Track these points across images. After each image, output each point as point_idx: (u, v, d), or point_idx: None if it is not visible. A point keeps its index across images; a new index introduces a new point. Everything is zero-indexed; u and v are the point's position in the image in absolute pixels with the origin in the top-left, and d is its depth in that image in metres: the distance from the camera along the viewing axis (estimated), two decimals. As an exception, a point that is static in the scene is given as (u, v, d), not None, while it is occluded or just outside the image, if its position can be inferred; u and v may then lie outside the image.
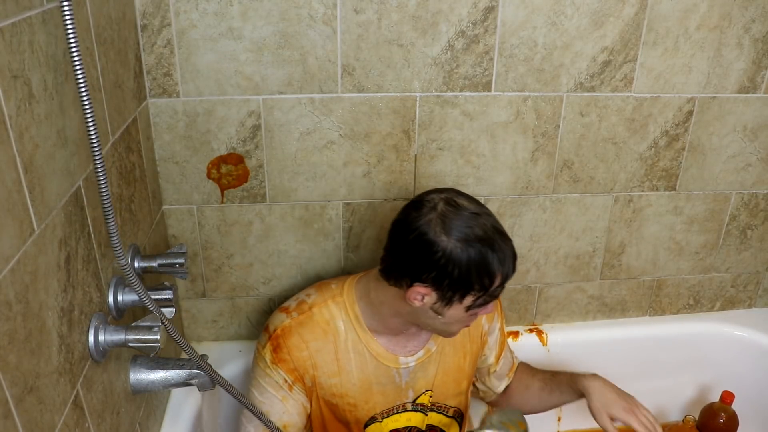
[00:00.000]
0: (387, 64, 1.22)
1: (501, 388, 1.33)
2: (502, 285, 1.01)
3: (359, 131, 1.27)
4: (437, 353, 1.18)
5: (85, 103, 0.69)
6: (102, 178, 0.74)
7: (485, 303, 1.02)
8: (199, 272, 1.38)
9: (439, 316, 1.02)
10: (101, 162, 0.73)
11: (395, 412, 1.19)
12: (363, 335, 1.12)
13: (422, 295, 1.00)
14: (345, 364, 1.12)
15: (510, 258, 1.00)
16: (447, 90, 1.26)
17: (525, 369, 1.35)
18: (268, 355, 1.11)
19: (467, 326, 1.10)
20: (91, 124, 0.70)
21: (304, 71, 1.20)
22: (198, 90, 1.19)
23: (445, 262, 0.96)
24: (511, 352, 1.35)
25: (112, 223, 0.77)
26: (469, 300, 1.00)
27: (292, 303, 1.15)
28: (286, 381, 1.11)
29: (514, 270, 1.01)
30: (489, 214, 1.02)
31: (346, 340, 1.12)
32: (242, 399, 1.04)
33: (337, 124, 1.26)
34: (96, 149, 0.71)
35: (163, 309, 0.96)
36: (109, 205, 0.76)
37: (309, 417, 1.17)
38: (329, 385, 1.13)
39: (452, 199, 1.01)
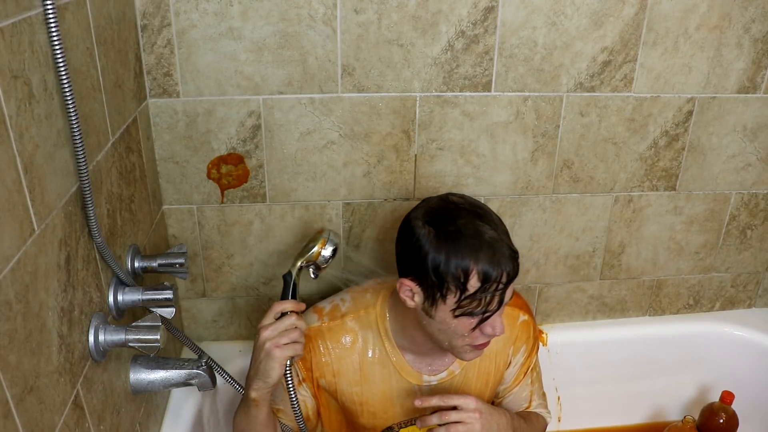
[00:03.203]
0: (387, 64, 1.22)
1: None
2: (485, 287, 0.93)
3: (359, 131, 1.27)
4: (461, 376, 1.15)
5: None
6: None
7: (474, 309, 0.95)
8: (199, 272, 1.38)
9: (432, 320, 0.98)
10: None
11: (412, 423, 1.18)
12: (391, 350, 1.11)
13: (411, 292, 0.98)
14: (369, 375, 1.11)
15: (490, 254, 0.92)
16: (447, 90, 1.26)
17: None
18: None
19: (477, 347, 1.01)
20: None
21: (304, 71, 1.20)
22: (198, 90, 1.19)
23: (419, 249, 0.94)
24: (530, 399, 1.22)
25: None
26: (451, 301, 0.95)
27: (326, 306, 1.14)
28: (297, 375, 1.11)
29: (501, 270, 0.93)
30: (482, 215, 0.97)
31: (373, 352, 1.11)
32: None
33: (337, 124, 1.26)
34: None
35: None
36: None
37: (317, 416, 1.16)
38: (351, 392, 1.13)
39: (448, 195, 1.01)
